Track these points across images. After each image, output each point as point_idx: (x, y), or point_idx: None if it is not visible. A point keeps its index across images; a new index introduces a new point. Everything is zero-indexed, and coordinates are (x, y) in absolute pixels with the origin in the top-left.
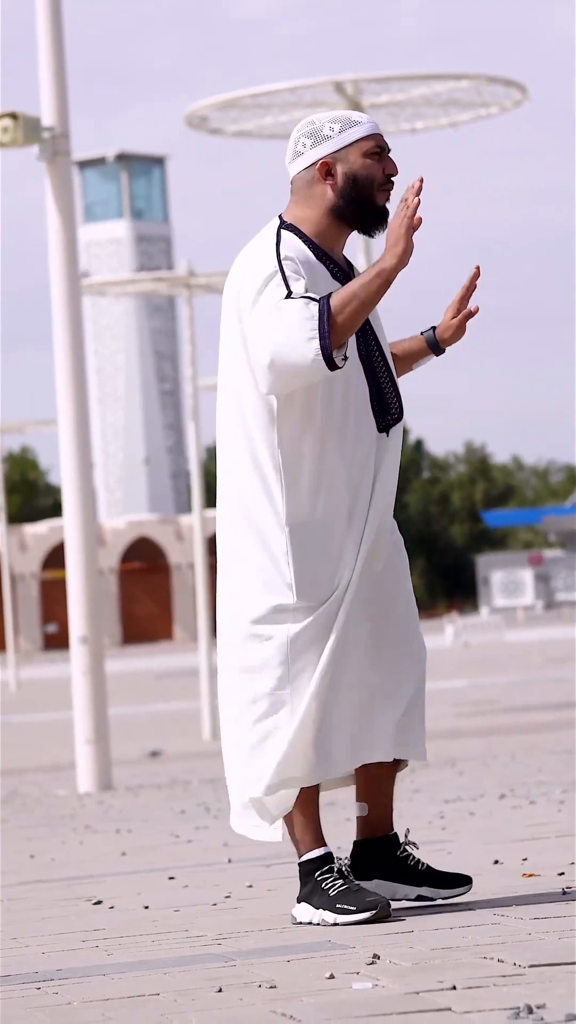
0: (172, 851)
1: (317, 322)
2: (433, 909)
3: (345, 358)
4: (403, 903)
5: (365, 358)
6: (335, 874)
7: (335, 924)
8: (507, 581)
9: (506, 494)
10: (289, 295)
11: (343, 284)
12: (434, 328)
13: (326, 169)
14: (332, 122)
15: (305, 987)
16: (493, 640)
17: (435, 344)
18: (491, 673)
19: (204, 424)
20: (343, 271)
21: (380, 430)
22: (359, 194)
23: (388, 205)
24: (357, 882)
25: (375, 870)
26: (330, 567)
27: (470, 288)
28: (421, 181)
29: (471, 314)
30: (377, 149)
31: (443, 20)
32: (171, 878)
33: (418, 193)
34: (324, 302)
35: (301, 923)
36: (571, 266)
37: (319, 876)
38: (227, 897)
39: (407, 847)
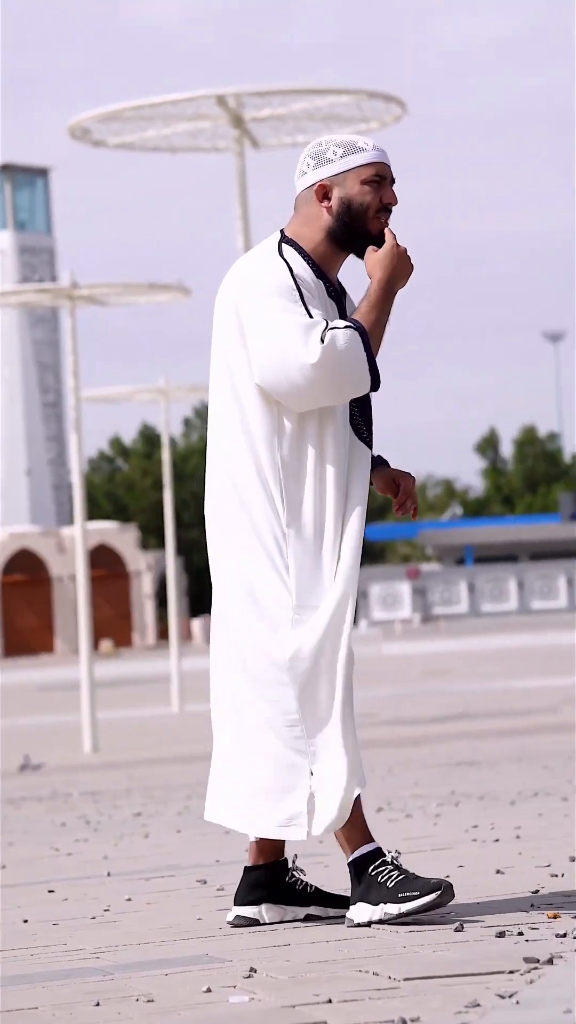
0: (52, 864)
1: (366, 356)
2: (310, 923)
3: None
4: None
5: None
6: (390, 866)
7: (399, 915)
8: (385, 594)
9: (385, 507)
10: (324, 321)
11: (337, 304)
12: (381, 460)
13: (323, 192)
14: (338, 146)
15: (182, 1001)
16: (371, 653)
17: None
18: (369, 686)
19: (87, 435)
20: (336, 292)
21: (367, 444)
22: (352, 220)
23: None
24: (412, 872)
25: (268, 896)
26: (327, 572)
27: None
28: None
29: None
30: (376, 178)
31: (326, 36)
32: (50, 891)
33: None
34: (363, 332)
35: (359, 924)
36: (446, 279)
37: (373, 871)
38: (106, 910)
39: (294, 872)
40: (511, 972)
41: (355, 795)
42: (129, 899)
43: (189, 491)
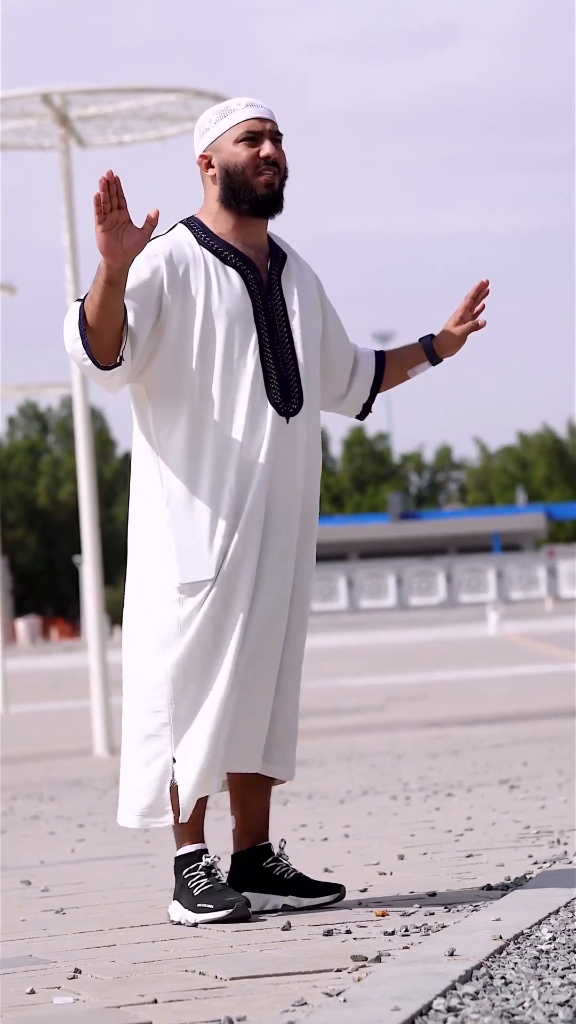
0: None
1: (77, 321)
2: (136, 923)
3: (121, 359)
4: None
5: (268, 346)
6: (200, 872)
7: (195, 924)
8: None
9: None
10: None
11: (238, 270)
12: (432, 336)
13: (207, 162)
14: (212, 112)
15: (6, 1002)
16: None
17: (432, 352)
18: None
19: None
20: (246, 259)
21: (280, 415)
22: (233, 182)
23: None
24: (223, 881)
25: (245, 884)
26: (213, 548)
27: (476, 299)
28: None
29: (476, 327)
30: (248, 135)
31: (155, 35)
32: None
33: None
34: (80, 303)
35: (174, 922)
36: None
37: (186, 874)
38: None
39: (279, 858)
40: (338, 970)
41: (196, 798)
42: None
43: (14, 490)
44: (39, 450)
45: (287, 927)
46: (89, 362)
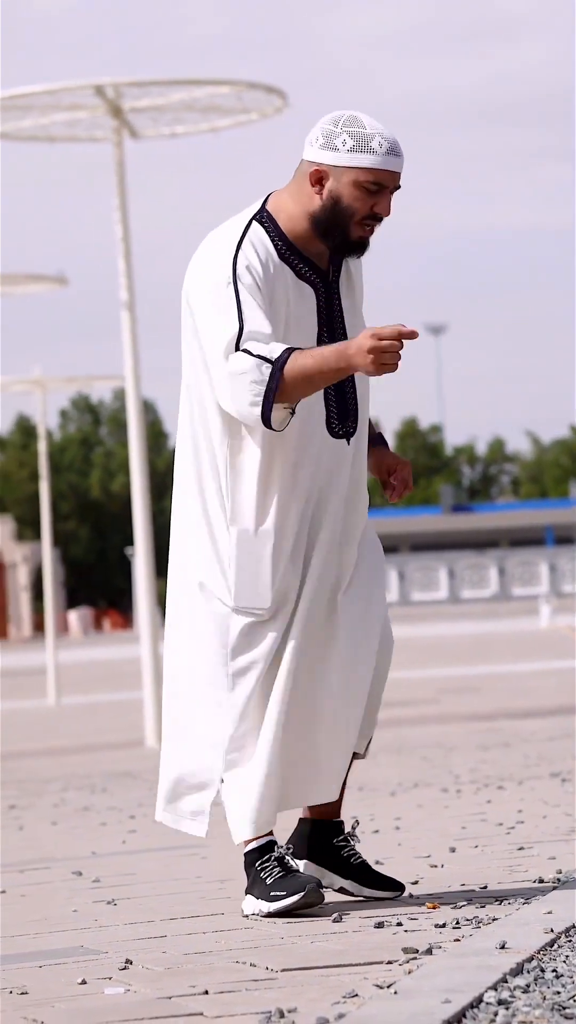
0: None
1: (264, 391)
2: (186, 914)
3: (293, 413)
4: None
5: None
6: (274, 862)
7: (269, 913)
8: None
9: None
10: (241, 330)
11: (312, 284)
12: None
13: (318, 176)
14: (350, 136)
15: (57, 993)
16: None
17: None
18: None
19: None
20: (316, 269)
21: (338, 437)
22: (335, 218)
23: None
24: (295, 869)
25: (310, 852)
26: (273, 576)
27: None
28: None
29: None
30: (373, 186)
31: (209, 28)
32: None
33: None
34: (277, 373)
35: (247, 916)
36: None
37: (259, 866)
38: None
39: (349, 838)
40: (389, 962)
41: (244, 837)
42: (3, 891)
43: (66, 482)
44: (92, 442)
45: (338, 919)
46: (262, 425)
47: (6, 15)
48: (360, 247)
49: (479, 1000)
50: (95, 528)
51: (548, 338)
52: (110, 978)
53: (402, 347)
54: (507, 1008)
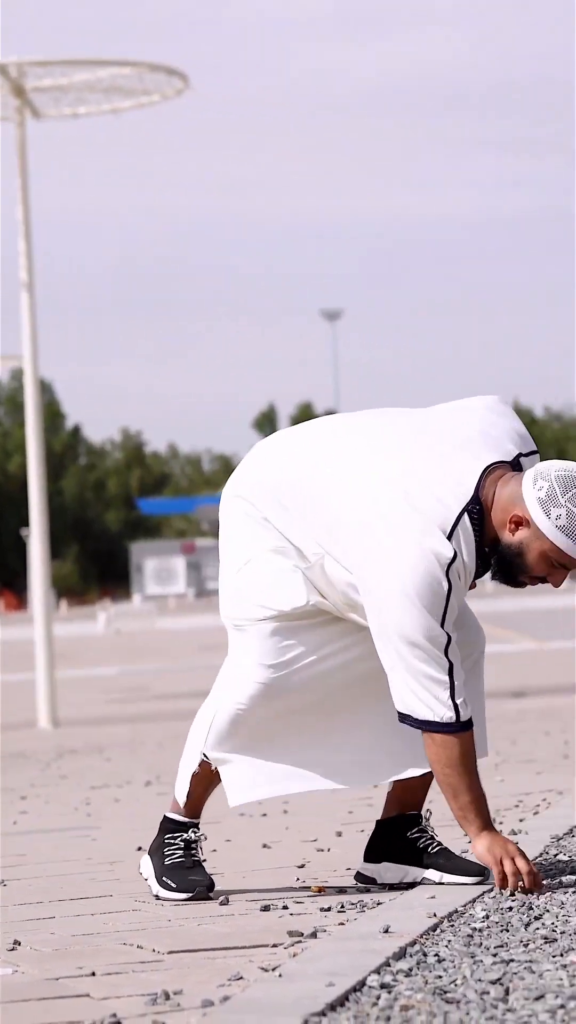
0: None
1: (448, 724)
2: (75, 896)
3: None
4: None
5: None
6: (180, 843)
7: (156, 896)
8: (160, 569)
9: (161, 482)
10: (449, 639)
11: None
12: None
13: (518, 521)
14: (568, 516)
15: None
16: (145, 627)
17: None
18: (142, 660)
19: None
20: (485, 568)
21: None
22: (512, 562)
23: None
24: (197, 859)
25: (385, 851)
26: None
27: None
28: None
29: None
30: (559, 564)
31: (110, 10)
32: None
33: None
34: (467, 726)
35: (142, 875)
36: (226, 256)
37: (167, 838)
38: None
39: (425, 829)
40: (275, 945)
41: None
42: None
43: None
44: None
45: (225, 902)
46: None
47: None
48: (517, 586)
49: (362, 984)
50: None
51: (443, 325)
52: None
53: (523, 884)
54: (389, 992)
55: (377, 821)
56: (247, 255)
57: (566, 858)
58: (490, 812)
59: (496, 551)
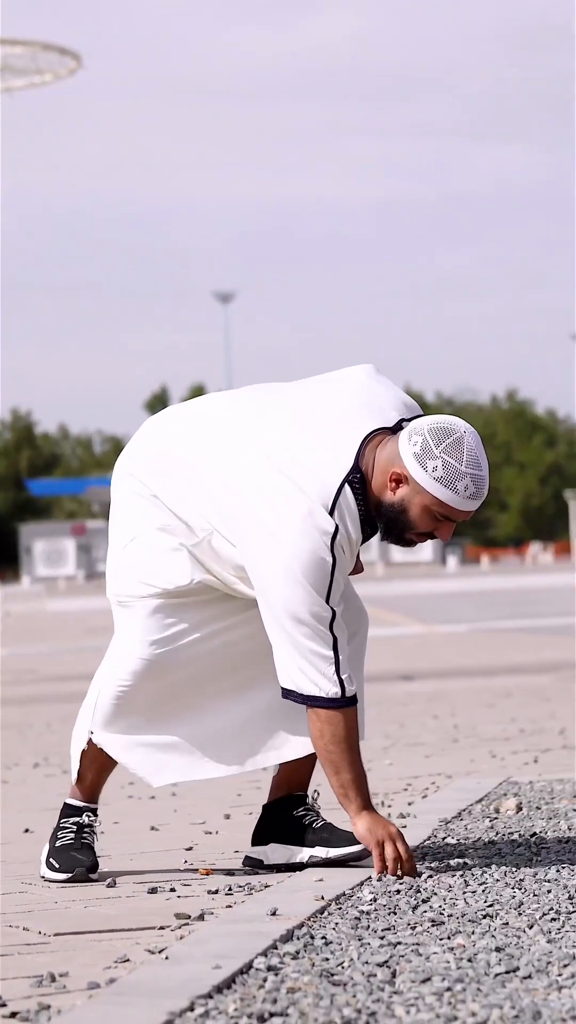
0: None
1: (332, 699)
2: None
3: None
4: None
5: None
6: (71, 826)
7: (43, 877)
8: (49, 551)
9: (51, 463)
10: (333, 615)
11: (367, 536)
12: None
13: (398, 477)
14: (444, 466)
15: None
16: (34, 609)
17: None
18: (32, 642)
19: None
20: (373, 528)
21: None
22: (396, 521)
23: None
24: (87, 842)
25: (273, 832)
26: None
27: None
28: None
29: None
30: (443, 516)
31: None
32: None
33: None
34: (351, 702)
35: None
36: (119, 238)
37: (61, 822)
38: None
39: (311, 808)
40: (161, 928)
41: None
42: None
43: None
44: None
45: (112, 884)
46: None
47: None
48: (406, 545)
49: (249, 966)
50: None
51: (335, 308)
52: None
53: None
54: (276, 974)
55: (264, 805)
56: (140, 236)
57: (454, 841)
58: (370, 793)
59: (380, 513)
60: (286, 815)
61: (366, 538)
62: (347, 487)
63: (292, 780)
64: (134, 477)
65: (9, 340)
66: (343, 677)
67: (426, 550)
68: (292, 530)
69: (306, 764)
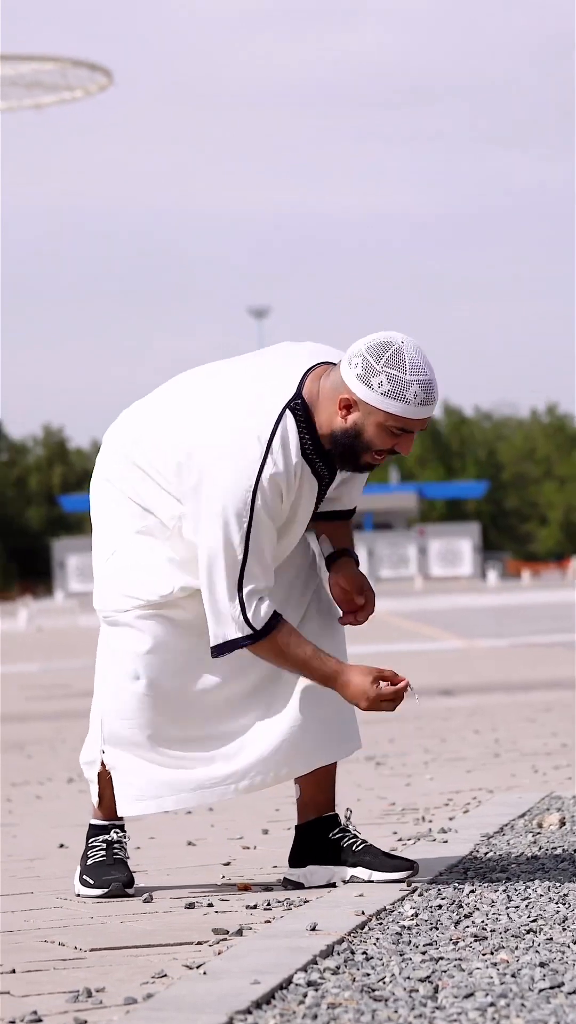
0: None
1: (235, 640)
2: None
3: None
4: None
5: None
6: (100, 843)
7: (77, 895)
8: (82, 566)
9: (84, 479)
10: (246, 555)
11: (320, 478)
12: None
13: (346, 404)
14: (388, 379)
15: None
16: (67, 624)
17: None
18: (64, 657)
19: None
20: (330, 465)
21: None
22: (352, 446)
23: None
24: (119, 857)
25: (310, 854)
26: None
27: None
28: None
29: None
30: (398, 430)
31: (33, 3)
32: None
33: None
34: (264, 633)
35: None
36: (153, 253)
37: (90, 842)
38: None
39: (347, 829)
40: (199, 943)
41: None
42: None
43: None
44: None
45: (149, 899)
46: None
47: None
48: (366, 470)
49: (288, 981)
50: None
51: (371, 323)
52: None
53: (399, 701)
54: (316, 989)
55: (296, 827)
56: (174, 252)
57: (496, 856)
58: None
59: (335, 443)
60: (322, 837)
61: (321, 479)
62: (288, 414)
63: (319, 800)
64: (108, 481)
65: (42, 355)
66: (248, 615)
67: (466, 564)
68: (224, 473)
69: (325, 781)
